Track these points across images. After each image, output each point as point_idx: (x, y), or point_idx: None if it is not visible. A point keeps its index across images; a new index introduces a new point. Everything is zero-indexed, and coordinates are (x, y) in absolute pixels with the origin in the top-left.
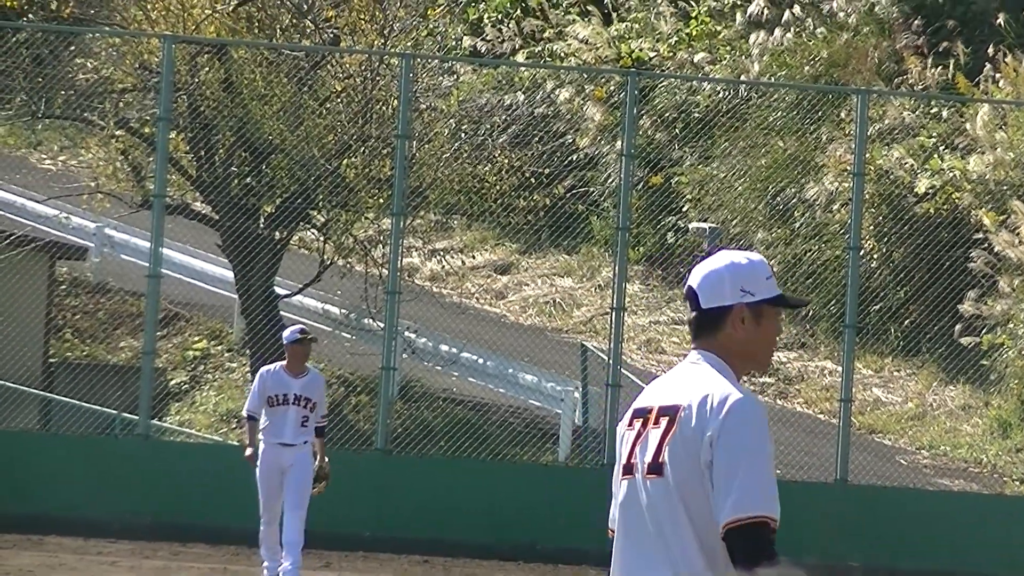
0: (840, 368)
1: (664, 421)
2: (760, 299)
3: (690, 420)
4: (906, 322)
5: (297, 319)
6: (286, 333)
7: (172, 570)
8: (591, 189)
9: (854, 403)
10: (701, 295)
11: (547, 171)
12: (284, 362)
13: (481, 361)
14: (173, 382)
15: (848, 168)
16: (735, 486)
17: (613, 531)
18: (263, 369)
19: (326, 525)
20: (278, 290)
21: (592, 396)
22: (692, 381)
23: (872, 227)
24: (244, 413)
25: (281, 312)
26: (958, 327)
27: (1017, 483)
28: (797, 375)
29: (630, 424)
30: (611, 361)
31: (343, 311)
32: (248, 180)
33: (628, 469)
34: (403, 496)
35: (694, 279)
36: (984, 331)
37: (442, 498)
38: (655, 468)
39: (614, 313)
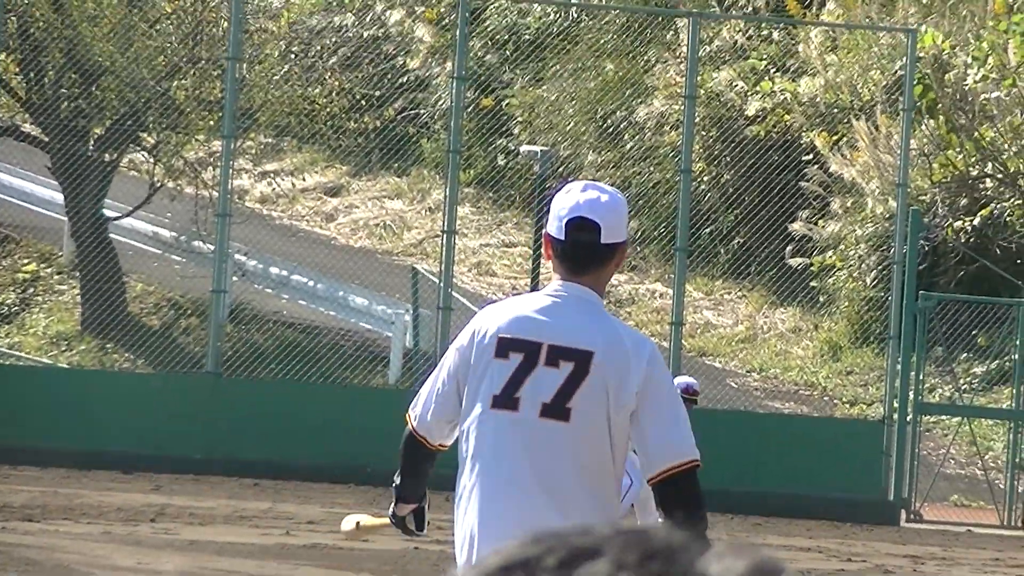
0: (671, 291)
1: (567, 365)
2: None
3: (606, 369)
4: (736, 244)
5: (127, 242)
6: None
7: (3, 493)
8: (422, 111)
9: (685, 326)
10: (605, 231)
11: (378, 93)
12: None
13: (311, 283)
14: (3, 303)
15: (679, 90)
16: (672, 433)
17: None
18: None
19: (156, 448)
20: (108, 212)
21: (423, 319)
22: (590, 322)
23: (702, 150)
24: None
25: (111, 235)
26: (788, 248)
27: (847, 405)
28: (628, 297)
29: (502, 355)
30: (442, 284)
31: (173, 234)
32: (78, 102)
33: (503, 403)
34: (233, 419)
35: (594, 212)
36: (815, 252)
37: (273, 421)
38: (558, 412)
39: (445, 236)
